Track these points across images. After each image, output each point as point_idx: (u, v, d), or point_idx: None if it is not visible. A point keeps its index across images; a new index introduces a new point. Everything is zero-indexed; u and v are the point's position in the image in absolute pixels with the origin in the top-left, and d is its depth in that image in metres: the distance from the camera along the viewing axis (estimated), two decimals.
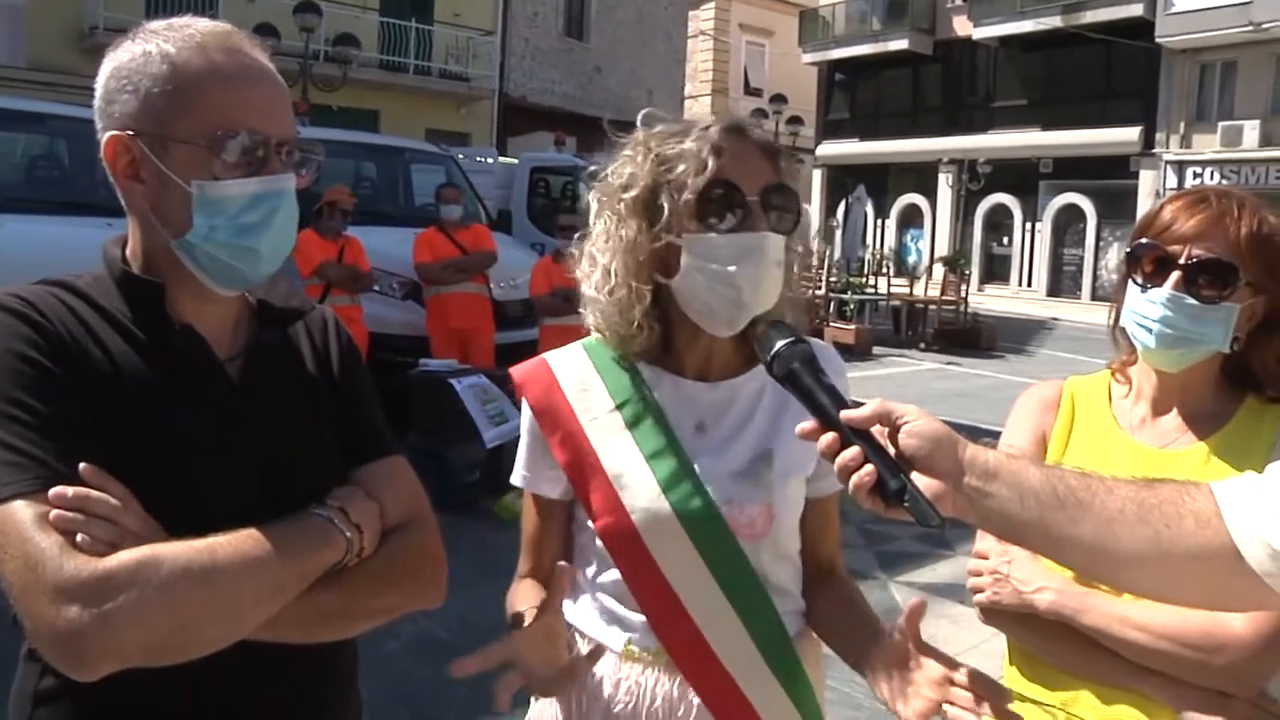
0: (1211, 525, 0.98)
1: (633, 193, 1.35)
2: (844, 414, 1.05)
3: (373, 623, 1.19)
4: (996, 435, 1.57)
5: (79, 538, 0.98)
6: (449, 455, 5.85)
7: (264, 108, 1.13)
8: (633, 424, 1.38)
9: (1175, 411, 1.48)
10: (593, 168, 1.42)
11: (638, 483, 1.35)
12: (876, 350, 15.19)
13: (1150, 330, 1.41)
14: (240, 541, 1.04)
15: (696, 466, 1.36)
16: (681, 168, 1.32)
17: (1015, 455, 1.06)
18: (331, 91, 16.41)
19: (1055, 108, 25.33)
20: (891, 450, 1.04)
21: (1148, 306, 1.40)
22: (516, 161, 13.49)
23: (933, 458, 1.02)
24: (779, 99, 23.58)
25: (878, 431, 1.05)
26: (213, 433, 1.13)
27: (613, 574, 1.39)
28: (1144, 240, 1.42)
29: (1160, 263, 1.40)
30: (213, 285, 1.15)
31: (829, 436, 1.05)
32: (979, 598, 1.46)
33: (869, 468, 1.02)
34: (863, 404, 1.08)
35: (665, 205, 1.32)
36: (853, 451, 1.03)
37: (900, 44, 28.25)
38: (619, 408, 1.39)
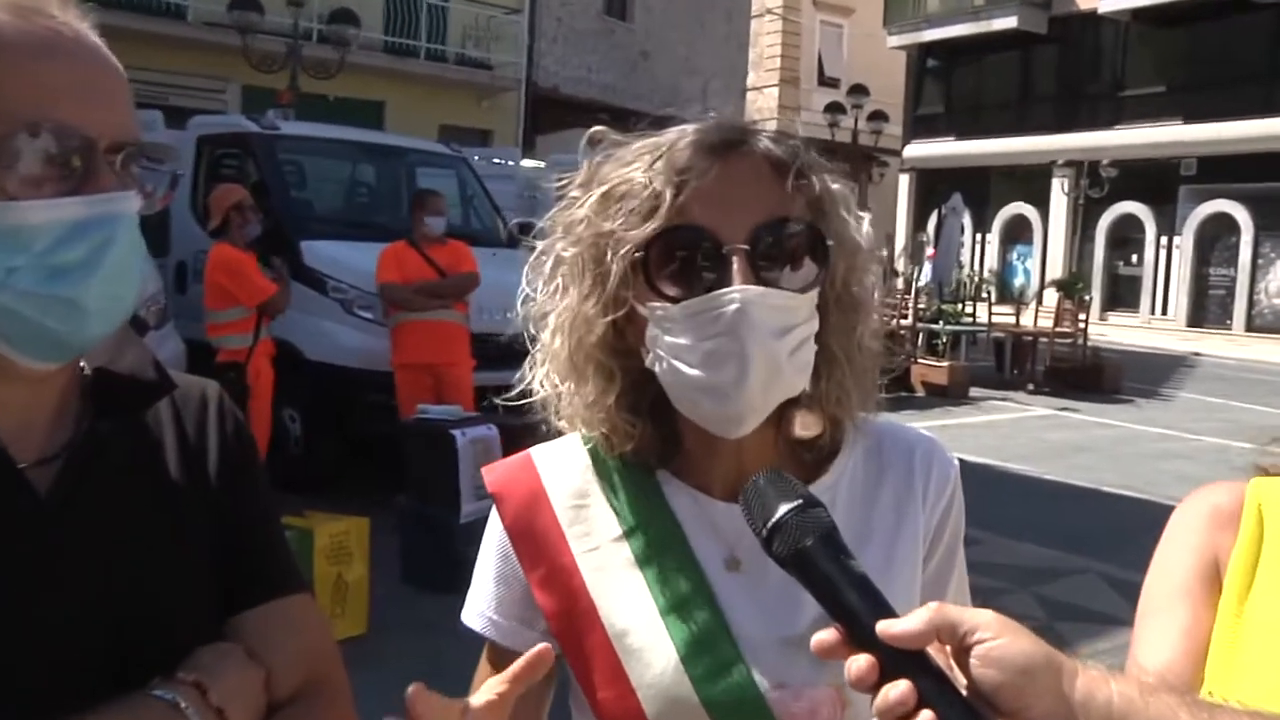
0: None
1: (572, 249, 1.17)
2: (882, 627, 0.85)
3: None
4: (1125, 501, 1.38)
5: None
6: (444, 522, 5.77)
7: (82, 94, 0.95)
8: (646, 560, 1.18)
9: None
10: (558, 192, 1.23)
11: (649, 647, 1.16)
12: (974, 392, 15.25)
13: None
14: None
15: (732, 627, 1.16)
16: (627, 211, 1.12)
17: (1149, 685, 0.88)
18: (326, 79, 16.59)
19: (1202, 95, 25.10)
20: (961, 681, 0.84)
21: None
22: (543, 165, 13.52)
23: (1025, 696, 0.84)
24: (859, 90, 23.64)
25: (935, 650, 0.85)
26: (7, 571, 0.96)
27: None
28: None
29: None
30: (15, 356, 0.96)
31: (862, 661, 0.85)
32: None
33: (927, 715, 0.82)
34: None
35: (613, 265, 1.13)
36: (901, 689, 0.83)
37: (1008, 22, 28.26)
38: (627, 535, 1.20)
